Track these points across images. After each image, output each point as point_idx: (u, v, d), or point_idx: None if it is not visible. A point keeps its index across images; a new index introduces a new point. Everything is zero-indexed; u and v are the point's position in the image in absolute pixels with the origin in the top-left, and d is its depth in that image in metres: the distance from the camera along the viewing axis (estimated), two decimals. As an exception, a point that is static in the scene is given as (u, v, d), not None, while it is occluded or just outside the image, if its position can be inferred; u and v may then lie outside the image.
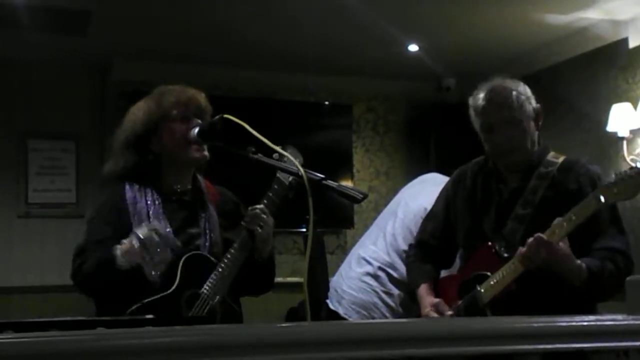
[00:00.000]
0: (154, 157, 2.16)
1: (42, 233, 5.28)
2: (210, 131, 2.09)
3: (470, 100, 2.27)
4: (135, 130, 2.14)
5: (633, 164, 4.52)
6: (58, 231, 5.22)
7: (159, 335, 1.18)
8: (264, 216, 2.08)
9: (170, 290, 2.01)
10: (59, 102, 5.40)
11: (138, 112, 2.17)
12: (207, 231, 2.15)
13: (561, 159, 2.23)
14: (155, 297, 1.98)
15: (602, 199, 1.92)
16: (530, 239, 1.98)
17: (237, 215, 2.22)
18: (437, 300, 2.24)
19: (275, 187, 2.12)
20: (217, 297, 2.04)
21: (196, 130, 2.11)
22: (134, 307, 1.95)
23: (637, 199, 4.59)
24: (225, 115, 2.04)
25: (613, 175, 1.94)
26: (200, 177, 2.25)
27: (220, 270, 2.06)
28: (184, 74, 5.19)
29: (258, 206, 2.10)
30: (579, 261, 2.02)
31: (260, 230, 2.08)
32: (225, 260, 2.07)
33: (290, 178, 2.08)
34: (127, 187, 2.14)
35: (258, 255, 2.13)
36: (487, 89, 2.23)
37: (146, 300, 1.97)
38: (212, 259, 2.10)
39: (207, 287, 2.04)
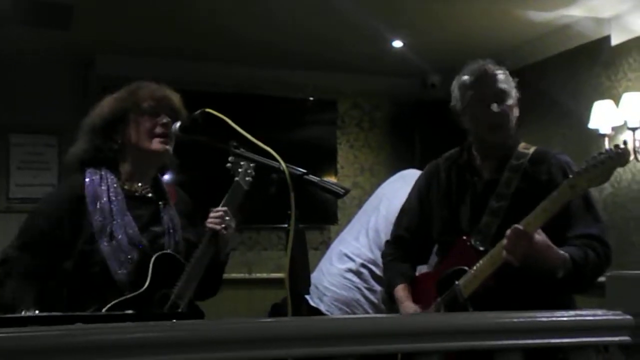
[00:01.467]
0: (118, 147, 2.12)
1: (24, 228, 5.22)
2: (191, 126, 2.07)
3: (455, 81, 2.28)
4: (103, 115, 2.13)
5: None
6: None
7: (139, 330, 1.17)
8: (227, 218, 2.09)
9: (142, 289, 1.97)
10: (41, 97, 5.35)
11: (111, 99, 2.16)
12: (171, 230, 2.13)
13: (532, 149, 2.24)
14: (128, 296, 1.95)
15: (575, 187, 1.93)
16: (508, 231, 1.98)
17: (193, 215, 2.23)
18: (416, 307, 2.25)
19: (232, 192, 2.14)
20: (186, 298, 2.02)
21: (177, 124, 2.10)
22: (105, 309, 1.90)
23: (619, 195, 4.63)
24: (207, 110, 2.03)
25: (584, 163, 1.94)
26: (159, 177, 2.23)
27: (188, 270, 2.04)
28: (167, 69, 5.19)
29: (221, 208, 2.11)
30: (562, 251, 2.01)
31: (224, 232, 2.09)
32: (193, 261, 2.05)
33: (249, 182, 2.12)
34: (88, 177, 2.08)
35: (220, 256, 2.13)
36: (477, 67, 2.25)
37: (118, 300, 1.93)
38: (180, 259, 2.08)
39: (177, 288, 2.01)
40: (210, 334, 1.17)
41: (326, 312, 2.96)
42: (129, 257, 2.01)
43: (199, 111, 2.08)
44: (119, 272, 1.98)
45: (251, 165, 2.10)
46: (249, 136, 1.89)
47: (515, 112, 2.24)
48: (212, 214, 2.10)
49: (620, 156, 1.90)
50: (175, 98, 2.18)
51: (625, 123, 4.47)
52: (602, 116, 4.54)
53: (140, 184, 2.15)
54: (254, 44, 5.21)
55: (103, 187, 2.06)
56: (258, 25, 4.86)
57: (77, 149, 2.14)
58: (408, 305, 2.26)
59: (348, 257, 3.07)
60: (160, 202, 2.16)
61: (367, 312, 2.96)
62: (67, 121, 5.43)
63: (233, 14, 4.65)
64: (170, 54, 5.35)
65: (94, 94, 5.47)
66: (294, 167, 1.83)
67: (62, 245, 2.01)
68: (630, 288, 1.41)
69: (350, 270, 3.02)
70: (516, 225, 1.96)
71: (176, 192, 2.27)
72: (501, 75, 2.23)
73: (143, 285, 1.98)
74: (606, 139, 4.59)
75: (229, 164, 2.09)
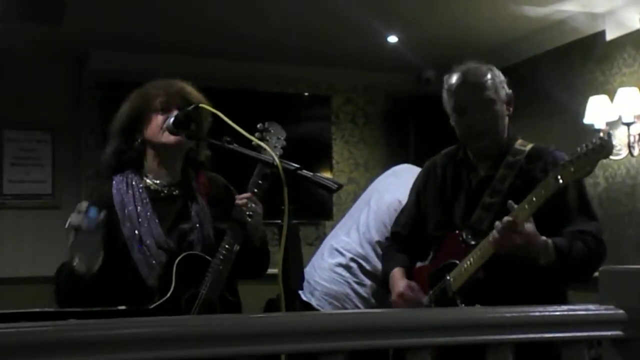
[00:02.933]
0: (140, 146, 2.16)
1: (17, 224, 5.22)
2: (185, 121, 2.07)
3: (444, 82, 2.26)
4: (121, 118, 2.17)
5: (610, 156, 4.57)
6: (33, 222, 5.16)
7: (131, 326, 1.16)
8: (252, 204, 2.07)
9: (168, 294, 1.98)
10: (35, 92, 5.33)
11: (127, 101, 2.20)
12: (199, 225, 2.12)
13: (529, 147, 2.23)
14: (156, 303, 1.95)
15: (560, 178, 1.92)
16: (498, 223, 1.97)
17: (229, 200, 2.18)
18: (412, 282, 2.23)
19: (259, 173, 2.10)
20: (217, 292, 2.02)
21: (171, 119, 2.10)
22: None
23: (614, 190, 4.63)
24: (201, 105, 2.03)
25: (569, 155, 1.94)
26: (190, 170, 2.22)
27: (214, 266, 2.03)
28: (161, 64, 5.17)
29: (245, 195, 2.08)
30: (544, 238, 2.00)
31: (250, 220, 2.07)
32: (220, 256, 2.04)
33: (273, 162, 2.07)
34: (115, 187, 2.12)
35: (251, 242, 2.12)
36: (462, 70, 2.22)
37: (148, 307, 1.93)
38: (206, 256, 2.07)
39: (206, 285, 2.01)
40: (202, 330, 1.17)
41: (317, 307, 2.96)
42: (158, 261, 2.02)
43: (192, 106, 2.09)
44: (150, 277, 2.00)
45: (283, 140, 2.08)
46: (242, 131, 1.88)
47: (505, 112, 2.21)
48: (236, 202, 2.08)
49: (603, 147, 1.88)
50: (190, 89, 2.19)
51: (620, 118, 4.47)
52: (597, 111, 4.54)
53: (166, 182, 2.16)
54: (249, 39, 5.20)
55: (129, 193, 2.10)
56: (252, 21, 4.85)
57: (105, 155, 2.20)
58: (402, 282, 2.24)
59: (338, 251, 3.07)
60: (188, 197, 2.16)
61: (357, 306, 2.96)
62: (60, 117, 5.47)
63: (227, 9, 4.63)
64: (163, 49, 5.34)
65: (87, 90, 5.46)
66: (288, 162, 1.83)
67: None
68: (623, 282, 1.41)
69: (340, 265, 3.02)
70: (508, 217, 1.96)
71: (210, 179, 2.25)
72: (485, 81, 2.17)
73: (169, 290, 1.98)
74: (601, 135, 4.59)
75: (226, 145, 2.03)
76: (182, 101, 2.15)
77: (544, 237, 1.99)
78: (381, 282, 2.44)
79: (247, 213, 2.06)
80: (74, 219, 1.89)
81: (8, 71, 5.26)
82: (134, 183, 2.12)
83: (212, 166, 2.28)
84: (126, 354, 1.11)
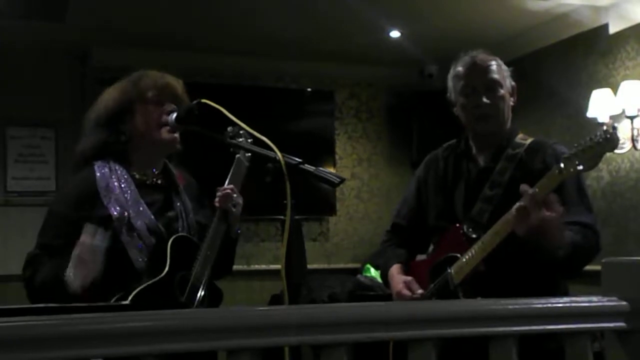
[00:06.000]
0: (125, 138, 2.12)
1: (21, 221, 5.22)
2: (186, 116, 2.07)
3: (451, 70, 2.30)
4: (108, 107, 2.12)
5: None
6: (37, 219, 5.14)
7: (133, 319, 1.16)
8: (235, 195, 2.11)
9: (163, 274, 1.99)
10: (38, 89, 5.34)
11: (113, 91, 2.16)
12: (183, 214, 2.15)
13: (529, 140, 2.24)
14: (150, 282, 1.96)
15: (564, 170, 1.91)
16: (526, 192, 1.90)
17: (201, 197, 2.25)
18: (408, 278, 2.24)
19: (236, 167, 2.14)
20: (204, 278, 2.04)
21: (174, 115, 2.10)
22: (132, 295, 1.91)
23: (618, 184, 4.62)
24: (203, 100, 2.03)
25: (574, 147, 1.93)
26: (168, 163, 2.23)
27: (203, 251, 2.06)
28: (164, 60, 5.15)
29: (227, 186, 2.12)
30: (567, 232, 1.97)
31: (234, 209, 2.10)
32: (207, 241, 2.07)
33: (249, 156, 2.12)
34: (97, 171, 2.08)
35: (229, 234, 2.14)
36: (470, 56, 2.26)
37: (142, 287, 1.94)
38: (195, 240, 2.11)
39: (195, 269, 2.03)
40: (204, 323, 1.17)
41: None
42: (147, 244, 2.03)
43: (194, 102, 2.09)
44: (139, 260, 2.01)
45: (249, 140, 2.09)
46: (244, 126, 1.89)
47: (509, 101, 2.24)
48: (219, 193, 2.11)
49: (608, 141, 1.88)
50: (178, 85, 2.18)
51: (623, 111, 4.46)
52: (600, 105, 4.53)
53: (150, 172, 2.16)
54: (251, 35, 5.20)
55: (114, 179, 2.07)
56: (255, 16, 4.85)
57: (84, 146, 2.14)
58: (398, 279, 2.25)
59: None
60: (171, 188, 2.18)
61: None
62: (64, 114, 5.47)
63: (230, 4, 4.63)
64: (166, 45, 5.33)
65: (90, 86, 5.45)
66: (290, 156, 1.83)
67: None
68: (626, 274, 1.41)
69: None
70: (533, 189, 1.89)
71: (183, 176, 2.28)
72: (493, 65, 2.23)
73: (161, 271, 1.99)
74: (605, 128, 4.58)
75: (229, 140, 2.07)
76: (171, 96, 2.14)
77: (567, 232, 1.97)
78: (381, 276, 2.45)
79: (232, 202, 2.10)
80: (98, 241, 1.91)
81: (11, 68, 5.27)
82: (117, 170, 2.10)
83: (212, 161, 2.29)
84: (127, 348, 1.11)
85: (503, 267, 2.03)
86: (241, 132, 2.04)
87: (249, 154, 2.12)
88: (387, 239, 2.49)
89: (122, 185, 2.07)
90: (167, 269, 2.00)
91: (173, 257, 2.03)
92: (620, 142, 4.57)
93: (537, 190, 1.91)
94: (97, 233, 1.92)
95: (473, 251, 2.08)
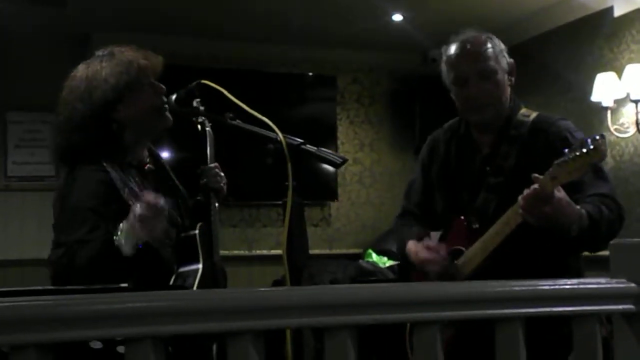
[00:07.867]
0: (118, 127, 1.99)
1: (22, 206, 5.21)
2: (187, 98, 2.04)
3: (442, 54, 2.21)
4: (106, 97, 1.98)
5: (617, 134, 4.48)
6: (37, 204, 5.14)
7: (139, 300, 1.14)
8: (222, 173, 2.11)
9: (201, 264, 1.99)
10: (38, 74, 5.29)
11: (109, 77, 2.02)
12: (180, 200, 2.13)
13: (532, 116, 2.15)
14: (198, 274, 1.96)
15: (556, 179, 1.81)
16: (527, 191, 1.86)
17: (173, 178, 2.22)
18: (427, 242, 2.14)
19: (210, 142, 2.13)
20: (219, 257, 2.06)
21: (173, 96, 2.06)
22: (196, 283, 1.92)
23: (622, 169, 4.57)
24: (203, 81, 2.00)
25: (565, 154, 1.82)
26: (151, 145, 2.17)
27: (215, 232, 2.06)
28: (165, 45, 5.11)
29: (211, 164, 2.11)
30: (578, 207, 1.90)
31: (223, 187, 2.11)
32: (215, 225, 2.06)
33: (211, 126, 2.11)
34: (110, 172, 1.94)
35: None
36: (460, 40, 2.16)
37: (197, 279, 1.94)
38: (211, 226, 2.07)
39: (217, 253, 2.04)
40: (209, 304, 1.14)
41: None
42: (171, 236, 2.00)
43: (194, 83, 2.06)
44: (164, 250, 1.97)
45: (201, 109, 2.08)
46: (245, 106, 1.86)
47: (507, 82, 2.15)
48: (210, 173, 2.08)
49: (595, 151, 1.77)
50: (160, 62, 2.08)
51: (628, 95, 4.42)
52: (605, 88, 4.49)
53: (141, 158, 2.09)
54: (253, 19, 5.15)
55: (124, 174, 1.97)
56: (257, 1, 4.80)
57: (74, 140, 1.99)
58: (417, 249, 2.15)
59: None
60: (161, 171, 2.15)
61: None
62: (64, 98, 5.43)
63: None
64: (167, 30, 5.29)
65: (91, 71, 5.42)
66: (291, 137, 1.80)
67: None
68: (634, 256, 1.38)
69: None
70: (535, 186, 1.84)
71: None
72: (485, 50, 2.12)
73: (189, 260, 1.99)
74: (609, 112, 4.55)
75: (197, 119, 2.06)
76: (156, 75, 2.04)
77: (578, 207, 1.90)
78: (400, 259, 2.38)
79: (223, 182, 2.11)
80: (162, 202, 1.78)
81: (12, 53, 5.24)
82: (121, 163, 1.99)
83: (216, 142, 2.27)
84: (127, 329, 1.09)
85: (509, 260, 1.97)
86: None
87: (209, 125, 2.09)
88: (400, 222, 2.41)
89: (135, 179, 2.00)
90: (201, 259, 1.99)
91: (202, 246, 2.02)
92: (625, 126, 4.54)
93: (537, 187, 1.84)
94: (158, 196, 1.80)
95: (479, 244, 2.03)
